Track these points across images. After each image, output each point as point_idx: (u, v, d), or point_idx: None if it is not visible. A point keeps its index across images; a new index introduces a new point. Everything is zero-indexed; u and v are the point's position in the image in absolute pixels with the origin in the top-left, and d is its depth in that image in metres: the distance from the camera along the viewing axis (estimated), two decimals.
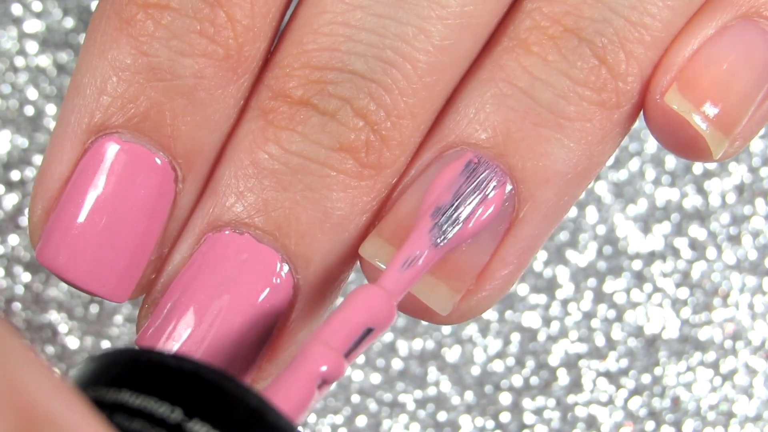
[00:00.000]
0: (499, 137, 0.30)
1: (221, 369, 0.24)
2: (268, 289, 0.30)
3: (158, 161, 0.30)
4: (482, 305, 0.31)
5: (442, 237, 0.29)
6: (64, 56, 0.45)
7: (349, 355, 0.27)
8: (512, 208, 0.30)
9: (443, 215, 0.29)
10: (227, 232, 0.30)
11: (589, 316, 0.47)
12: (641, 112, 0.31)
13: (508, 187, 0.30)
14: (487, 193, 0.30)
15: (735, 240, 0.47)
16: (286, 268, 0.30)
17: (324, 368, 0.26)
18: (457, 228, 0.29)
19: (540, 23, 0.30)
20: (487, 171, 0.30)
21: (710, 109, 0.30)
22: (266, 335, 0.31)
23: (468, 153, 0.30)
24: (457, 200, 0.29)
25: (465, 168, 0.30)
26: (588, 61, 0.30)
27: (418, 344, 0.46)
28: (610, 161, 0.47)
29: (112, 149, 0.30)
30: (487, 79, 0.30)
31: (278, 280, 0.30)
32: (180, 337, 0.30)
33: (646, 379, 0.47)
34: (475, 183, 0.29)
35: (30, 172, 0.45)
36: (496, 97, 0.30)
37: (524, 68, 0.30)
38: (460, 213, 0.29)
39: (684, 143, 0.30)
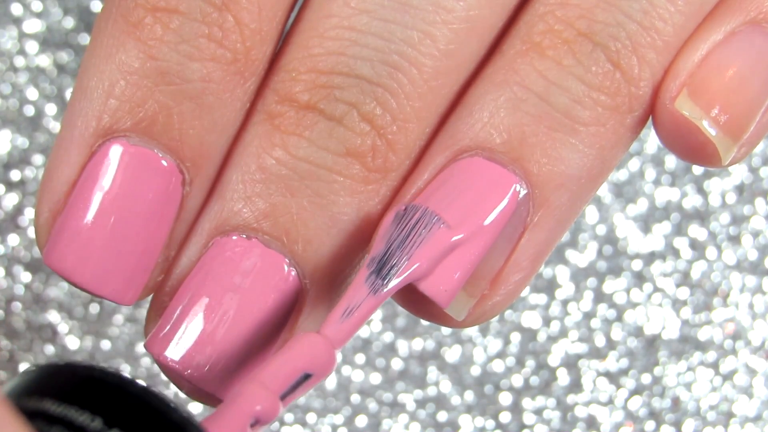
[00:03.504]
0: (515, 141, 0.30)
1: (145, 384, 0.24)
2: (275, 294, 0.30)
3: (165, 164, 0.30)
4: (495, 309, 0.31)
5: (380, 284, 0.29)
6: (64, 56, 0.45)
7: (285, 397, 0.27)
8: (527, 212, 0.30)
9: (377, 264, 0.29)
10: (235, 237, 0.30)
11: (589, 316, 0.47)
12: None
13: (522, 192, 0.30)
14: (421, 236, 0.29)
15: (735, 240, 0.47)
16: (293, 272, 0.30)
17: (258, 408, 0.27)
18: (394, 274, 0.29)
19: (554, 27, 0.30)
20: (416, 214, 0.30)
21: (720, 115, 0.30)
22: (274, 339, 0.31)
23: (394, 208, 0.30)
24: (389, 248, 0.29)
25: (395, 217, 0.30)
26: (602, 66, 0.30)
27: (418, 344, 0.47)
28: None
29: (119, 152, 0.30)
30: (501, 83, 0.30)
31: (285, 285, 0.30)
32: (188, 341, 0.30)
33: (646, 379, 0.47)
34: (405, 229, 0.29)
35: (30, 172, 0.45)
36: (510, 101, 0.30)
37: (539, 72, 0.30)
38: (394, 260, 0.29)
39: (693, 149, 0.30)
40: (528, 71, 0.30)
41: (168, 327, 0.30)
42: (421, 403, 0.47)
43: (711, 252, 0.47)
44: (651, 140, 0.47)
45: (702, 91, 0.30)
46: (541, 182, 0.30)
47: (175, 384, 0.31)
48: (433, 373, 0.47)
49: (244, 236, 0.30)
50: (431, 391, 0.47)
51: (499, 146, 0.30)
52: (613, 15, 0.30)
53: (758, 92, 0.30)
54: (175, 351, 0.30)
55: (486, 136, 0.30)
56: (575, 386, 0.47)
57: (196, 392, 0.30)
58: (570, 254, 0.47)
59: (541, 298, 0.47)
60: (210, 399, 0.30)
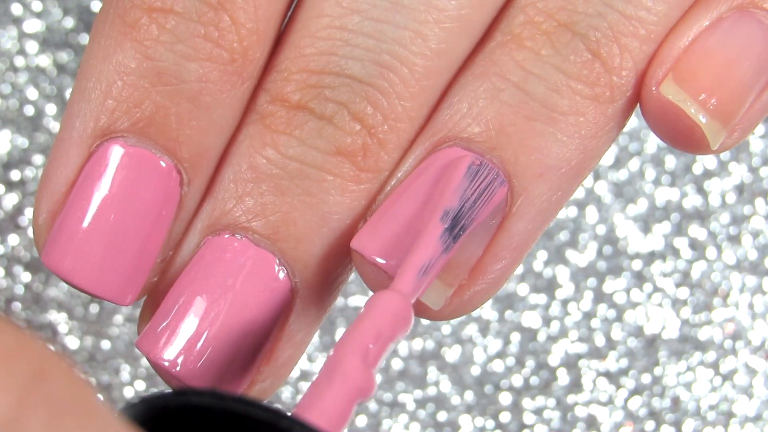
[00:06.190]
0: (492, 131, 0.30)
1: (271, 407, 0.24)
2: (265, 293, 0.30)
3: (163, 165, 0.30)
4: (475, 300, 0.31)
5: (451, 243, 0.29)
6: (64, 56, 0.45)
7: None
8: (505, 202, 0.30)
9: (451, 220, 0.29)
10: (226, 236, 0.30)
11: (589, 316, 0.47)
12: (637, 107, 0.31)
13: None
14: (491, 196, 0.29)
15: (735, 240, 0.47)
16: (283, 271, 0.30)
17: (361, 387, 0.26)
18: (462, 235, 0.29)
19: (534, 18, 0.30)
20: (489, 173, 0.30)
21: (706, 99, 0.29)
22: (264, 338, 0.31)
23: (468, 156, 0.30)
24: (462, 205, 0.29)
25: (467, 170, 0.29)
26: (581, 55, 0.30)
27: (418, 344, 0.47)
28: (610, 161, 0.47)
29: (117, 153, 0.30)
30: (480, 74, 0.30)
31: (276, 284, 0.30)
32: (178, 339, 0.30)
33: (646, 379, 0.47)
34: (479, 187, 0.29)
35: (30, 172, 0.45)
36: (489, 92, 0.30)
37: (517, 63, 0.30)
38: (465, 220, 0.29)
39: (681, 134, 0.30)
40: (506, 62, 0.30)
41: (159, 325, 0.30)
42: (421, 403, 0.47)
43: (711, 252, 0.47)
44: (651, 140, 0.47)
45: (688, 76, 0.30)
46: (519, 172, 0.30)
47: (165, 381, 0.31)
48: (433, 373, 0.47)
49: (235, 235, 0.30)
50: (431, 391, 0.47)
51: (476, 136, 0.30)
52: (594, 6, 0.30)
53: (747, 77, 0.30)
54: (165, 349, 0.30)
55: (464, 126, 0.30)
56: (575, 386, 0.47)
57: None
58: (570, 254, 0.47)
59: (541, 298, 0.47)
60: None
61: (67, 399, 0.20)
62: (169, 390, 0.27)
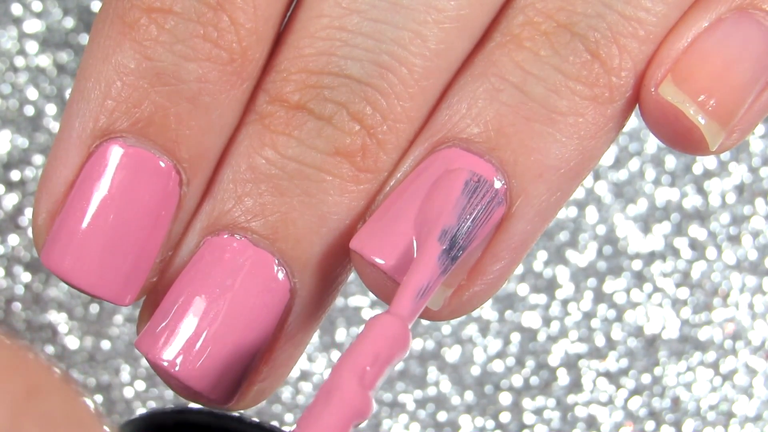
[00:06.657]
0: (491, 132, 0.30)
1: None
2: (264, 293, 0.30)
3: (163, 165, 0.30)
4: (475, 301, 0.31)
5: (449, 265, 0.29)
6: (64, 56, 0.45)
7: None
8: (504, 203, 0.30)
9: (449, 241, 0.29)
10: (225, 236, 0.30)
11: (589, 316, 0.47)
12: (637, 108, 0.31)
13: (499, 182, 0.30)
14: (489, 216, 0.29)
15: (735, 240, 0.47)
16: (282, 272, 0.30)
17: (359, 410, 0.26)
18: (460, 256, 0.29)
19: (533, 19, 0.30)
20: (488, 192, 0.30)
21: (705, 100, 0.29)
22: (264, 338, 0.31)
23: (464, 171, 0.30)
24: (460, 224, 0.29)
25: (465, 187, 0.29)
26: (580, 56, 0.30)
27: (418, 344, 0.47)
28: (610, 161, 0.47)
29: (116, 153, 0.30)
30: (479, 75, 0.30)
31: (275, 284, 0.30)
32: (177, 339, 0.30)
33: (646, 379, 0.47)
34: (479, 205, 0.29)
35: (30, 172, 0.45)
36: (488, 92, 0.30)
37: (516, 63, 0.30)
38: (462, 241, 0.29)
39: (680, 135, 0.30)
40: (505, 62, 0.30)
41: (158, 325, 0.30)
42: (421, 403, 0.47)
43: (711, 252, 0.47)
44: (651, 140, 0.47)
45: (687, 77, 0.30)
46: (518, 172, 0.30)
47: (165, 382, 0.31)
48: (433, 373, 0.47)
49: (234, 235, 0.30)
50: (431, 391, 0.47)
51: (476, 136, 0.30)
52: (593, 6, 0.30)
53: (745, 78, 0.30)
54: (164, 349, 0.30)
55: (464, 126, 0.30)
56: (575, 386, 0.47)
57: (185, 390, 0.30)
58: (570, 254, 0.47)
59: (541, 298, 0.47)
60: (200, 397, 0.30)
61: (61, 415, 0.20)
62: (169, 396, 0.27)
